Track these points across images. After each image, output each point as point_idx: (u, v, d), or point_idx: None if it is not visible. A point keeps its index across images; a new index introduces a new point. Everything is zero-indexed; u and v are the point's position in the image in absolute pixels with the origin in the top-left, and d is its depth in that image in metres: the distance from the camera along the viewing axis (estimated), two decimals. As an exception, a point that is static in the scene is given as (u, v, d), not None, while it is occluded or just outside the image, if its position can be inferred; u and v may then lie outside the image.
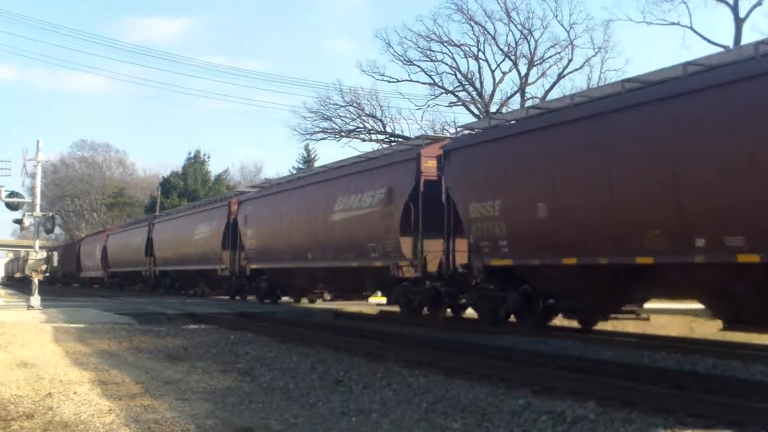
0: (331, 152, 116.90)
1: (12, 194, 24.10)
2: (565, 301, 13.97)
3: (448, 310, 18.02)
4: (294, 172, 52.20)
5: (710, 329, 13.75)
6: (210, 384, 8.59)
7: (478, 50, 42.20)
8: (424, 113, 47.08)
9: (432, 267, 16.59)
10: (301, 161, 61.33)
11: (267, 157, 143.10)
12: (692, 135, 10.59)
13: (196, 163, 69.95)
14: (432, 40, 42.42)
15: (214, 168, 74.17)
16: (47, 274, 58.89)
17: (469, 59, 42.53)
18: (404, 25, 69.98)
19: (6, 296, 35.32)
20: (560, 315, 14.86)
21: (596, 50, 40.57)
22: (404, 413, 6.89)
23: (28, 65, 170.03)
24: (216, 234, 29.23)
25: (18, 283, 67.13)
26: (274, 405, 7.38)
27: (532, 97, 40.72)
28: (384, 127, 44.75)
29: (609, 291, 12.68)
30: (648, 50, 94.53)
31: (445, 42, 42.46)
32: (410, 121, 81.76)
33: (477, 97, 42.89)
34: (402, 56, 43.16)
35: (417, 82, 44.27)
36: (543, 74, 42.21)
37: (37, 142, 23.81)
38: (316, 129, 45.59)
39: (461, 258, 16.05)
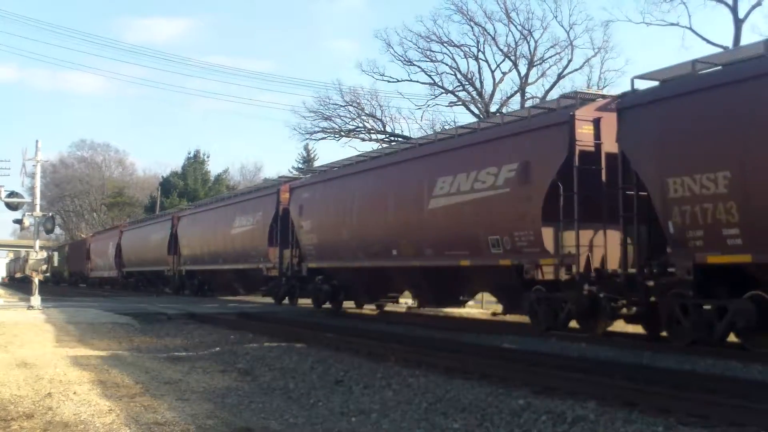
0: (331, 152, 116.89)
1: (12, 194, 24.11)
2: None
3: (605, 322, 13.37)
4: (294, 172, 52.05)
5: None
6: (210, 384, 8.58)
7: (478, 50, 42.22)
8: (424, 113, 47.04)
9: (597, 263, 12.85)
10: (301, 161, 61.37)
11: (267, 157, 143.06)
12: None
13: (195, 163, 69.95)
14: (432, 40, 42.42)
15: (213, 168, 74.37)
16: (48, 274, 58.84)
17: (469, 59, 42.56)
18: (404, 26, 70.32)
19: (6, 296, 35.29)
20: None
21: (596, 50, 40.46)
22: (404, 413, 6.88)
23: (28, 65, 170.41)
24: (261, 227, 25.05)
25: (19, 284, 66.70)
26: (274, 405, 7.38)
27: (532, 97, 40.73)
28: (384, 126, 44.77)
29: None
30: (648, 50, 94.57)
31: (445, 42, 42.47)
32: (410, 121, 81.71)
33: (477, 97, 42.89)
34: (402, 56, 43.16)
35: (417, 82, 44.26)
36: (543, 74, 42.16)
37: (37, 142, 23.88)
38: (316, 129, 45.58)
39: (615, 255, 12.56)
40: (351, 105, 44.81)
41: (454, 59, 42.70)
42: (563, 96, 15.46)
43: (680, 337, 11.25)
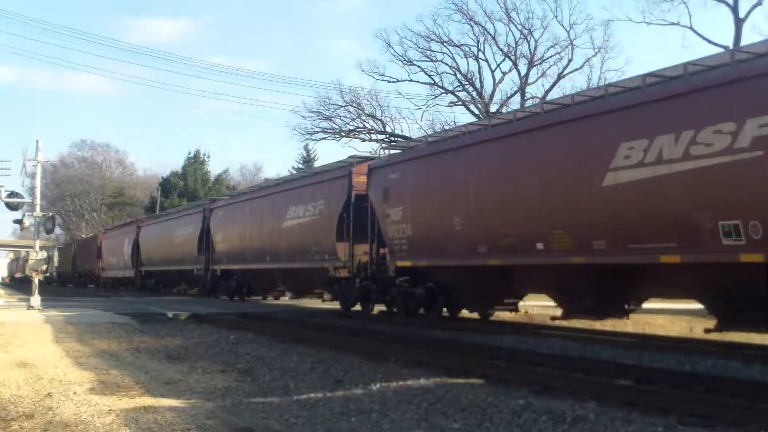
0: (331, 152, 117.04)
1: (12, 194, 24.14)
2: None
3: None
4: (294, 172, 52.21)
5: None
6: (210, 384, 8.58)
7: (478, 50, 42.26)
8: (424, 113, 47.09)
9: None
10: (301, 161, 61.36)
11: (267, 157, 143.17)
12: None
13: (195, 163, 69.96)
14: (432, 40, 42.47)
15: (214, 168, 74.43)
16: (50, 275, 58.55)
17: (469, 59, 42.60)
18: (404, 26, 70.35)
19: (6, 296, 35.29)
20: None
21: (596, 50, 40.50)
22: (404, 413, 6.88)
23: (29, 65, 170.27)
24: (326, 218, 20.63)
25: (21, 284, 66.36)
26: (274, 405, 7.38)
27: (532, 97, 40.76)
28: (384, 127, 44.81)
29: None
30: (648, 50, 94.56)
31: (445, 42, 42.51)
32: (410, 121, 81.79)
33: (477, 97, 42.92)
34: (402, 56, 43.21)
35: (417, 82, 44.33)
36: (543, 74, 42.19)
37: (37, 142, 23.90)
38: (316, 129, 45.62)
39: None
40: (351, 105, 44.91)
41: (454, 59, 42.80)
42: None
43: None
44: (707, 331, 11.38)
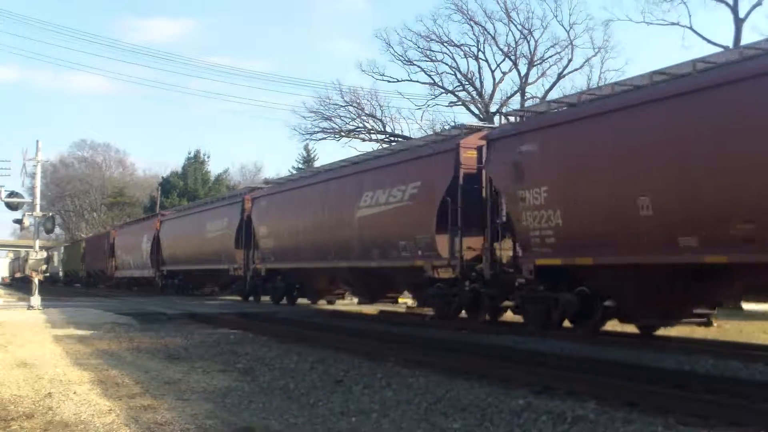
0: (331, 152, 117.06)
1: (12, 194, 24.16)
2: None
3: None
4: (294, 172, 52.14)
5: (711, 330, 13.70)
6: (210, 384, 8.58)
7: (478, 50, 42.24)
8: (424, 113, 47.06)
9: None
10: (301, 161, 61.36)
11: (267, 157, 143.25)
12: None
13: (196, 163, 69.97)
14: (432, 40, 42.44)
15: (214, 168, 74.33)
16: (47, 274, 58.28)
17: (469, 59, 42.57)
18: (404, 26, 70.23)
19: (6, 296, 35.31)
20: None
21: (596, 50, 40.47)
22: (404, 413, 6.88)
23: (29, 65, 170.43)
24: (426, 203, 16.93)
25: (22, 284, 66.12)
26: (274, 405, 7.38)
27: (533, 97, 40.75)
28: (384, 127, 44.76)
29: None
30: (648, 50, 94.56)
31: (445, 42, 42.48)
32: (410, 121, 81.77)
33: (477, 97, 42.89)
34: (402, 56, 43.18)
35: (417, 82, 44.31)
36: (543, 74, 42.17)
37: (37, 142, 23.95)
38: (316, 129, 45.56)
39: None
40: (351, 105, 44.85)
41: (454, 59, 42.77)
42: None
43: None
44: None
